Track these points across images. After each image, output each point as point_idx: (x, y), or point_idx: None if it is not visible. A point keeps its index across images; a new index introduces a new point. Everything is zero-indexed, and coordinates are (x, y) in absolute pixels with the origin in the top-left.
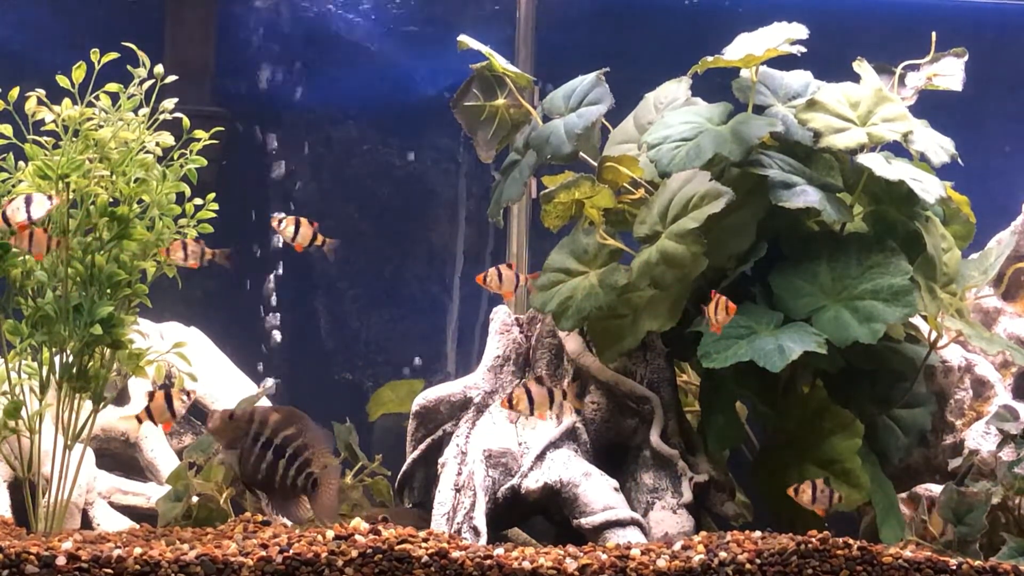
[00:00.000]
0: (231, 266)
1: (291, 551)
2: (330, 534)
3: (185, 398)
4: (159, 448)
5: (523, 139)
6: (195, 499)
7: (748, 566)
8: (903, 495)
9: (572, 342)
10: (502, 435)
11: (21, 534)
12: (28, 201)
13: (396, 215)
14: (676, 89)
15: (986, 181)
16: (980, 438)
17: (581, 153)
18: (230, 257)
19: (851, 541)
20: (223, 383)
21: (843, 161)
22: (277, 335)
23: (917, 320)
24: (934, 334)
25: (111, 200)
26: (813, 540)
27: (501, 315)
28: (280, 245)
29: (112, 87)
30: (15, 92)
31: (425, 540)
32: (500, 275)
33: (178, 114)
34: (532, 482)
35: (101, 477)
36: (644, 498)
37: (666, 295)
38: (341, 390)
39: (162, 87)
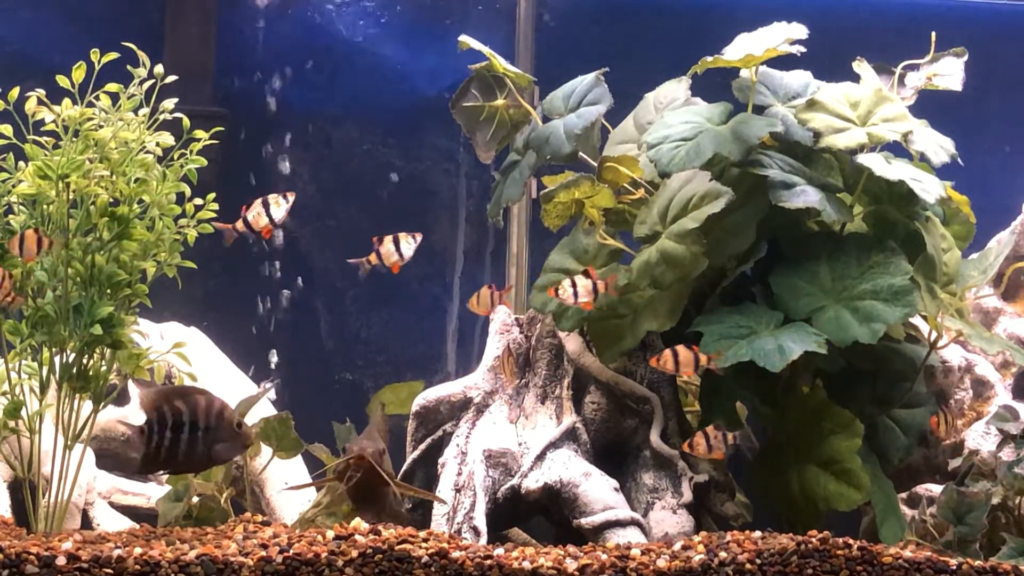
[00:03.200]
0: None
1: (291, 551)
2: (330, 534)
3: (412, 240)
4: None
5: (523, 139)
6: (195, 499)
7: (748, 566)
8: (903, 495)
9: (572, 342)
10: (502, 435)
11: (21, 534)
12: (266, 204)
13: (396, 215)
14: (676, 89)
15: (986, 181)
16: (980, 438)
17: (581, 153)
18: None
19: (851, 541)
20: (223, 383)
21: (843, 161)
22: (277, 335)
23: (917, 320)
24: (934, 334)
25: (111, 200)
26: (813, 540)
27: (501, 315)
28: (280, 244)
29: (112, 87)
30: (15, 92)
31: (425, 540)
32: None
33: (178, 114)
34: (532, 482)
35: (101, 477)
36: (644, 498)
37: (666, 295)
38: (341, 390)
39: (162, 87)
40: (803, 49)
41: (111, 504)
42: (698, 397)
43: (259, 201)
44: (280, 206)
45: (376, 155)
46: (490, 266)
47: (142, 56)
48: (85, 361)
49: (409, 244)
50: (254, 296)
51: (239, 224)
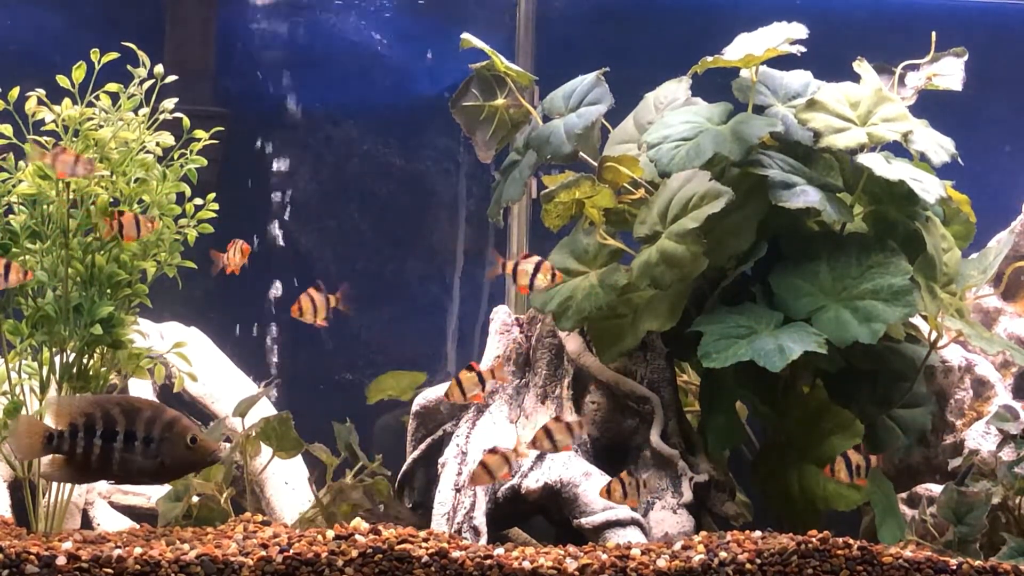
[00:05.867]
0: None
1: (291, 551)
2: (330, 534)
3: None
4: None
5: (523, 139)
6: (195, 499)
7: (748, 566)
8: (903, 495)
9: (572, 342)
10: (502, 435)
11: (21, 534)
12: (537, 268)
13: (396, 215)
14: (676, 89)
15: (986, 181)
16: (980, 438)
17: (581, 153)
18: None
19: (851, 541)
20: (223, 383)
21: (843, 161)
22: (277, 335)
23: (917, 320)
24: (934, 334)
25: (111, 200)
26: (813, 540)
27: (501, 315)
28: (280, 244)
29: (112, 87)
30: (15, 92)
31: (425, 540)
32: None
33: (178, 114)
34: (532, 482)
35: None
36: (644, 498)
37: (666, 295)
38: (341, 390)
39: (162, 87)
40: (803, 49)
41: (111, 504)
42: (698, 397)
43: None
44: (546, 275)
45: (376, 155)
46: (489, 266)
47: (142, 56)
48: (85, 361)
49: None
50: (254, 296)
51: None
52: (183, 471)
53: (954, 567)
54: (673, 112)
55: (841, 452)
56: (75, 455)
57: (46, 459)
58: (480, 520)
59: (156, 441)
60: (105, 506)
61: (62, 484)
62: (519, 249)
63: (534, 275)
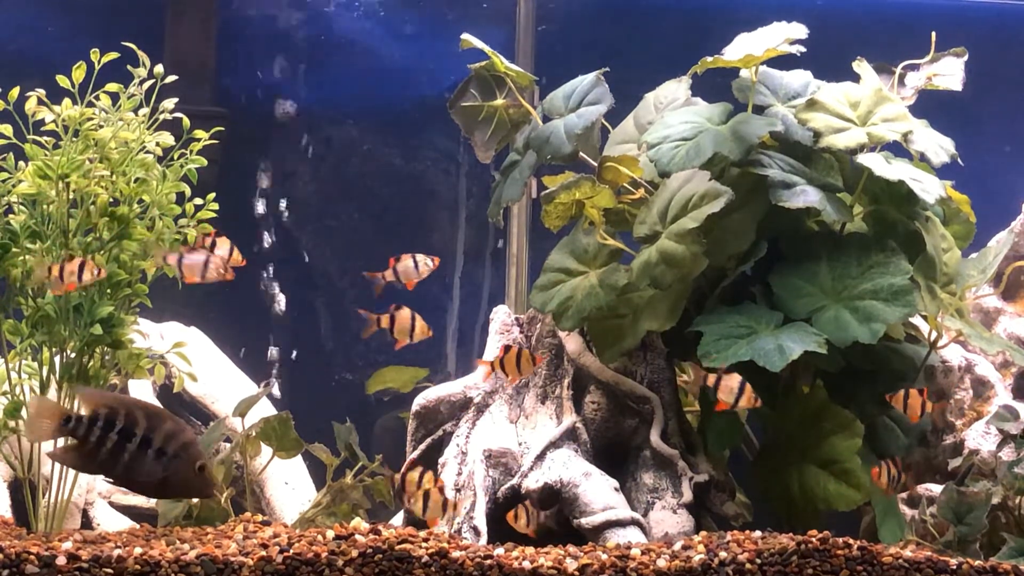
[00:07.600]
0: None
1: (291, 551)
2: (330, 534)
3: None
4: None
5: (523, 139)
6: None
7: (748, 566)
8: (903, 495)
9: (572, 342)
10: (502, 435)
11: (21, 534)
12: (742, 390)
13: (396, 215)
14: (676, 89)
15: (986, 181)
16: (980, 438)
17: (581, 153)
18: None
19: (851, 541)
20: (223, 383)
21: (843, 161)
22: (277, 335)
23: (917, 320)
24: (934, 334)
25: (111, 200)
26: (813, 540)
27: (501, 315)
28: (280, 244)
29: (112, 87)
30: (15, 92)
31: (425, 540)
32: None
33: (178, 114)
34: (532, 482)
35: (101, 477)
36: (644, 498)
37: (666, 295)
38: (341, 390)
39: (162, 87)
40: (803, 49)
41: (111, 504)
42: (698, 397)
43: (409, 256)
44: (427, 267)
45: (376, 155)
46: (490, 266)
47: (142, 56)
48: (85, 361)
49: (428, 265)
50: (255, 296)
51: (388, 274)
52: (180, 493)
53: (954, 567)
54: (673, 112)
55: (839, 451)
56: (87, 442)
57: (59, 442)
58: (480, 520)
59: (168, 456)
60: (105, 506)
61: (62, 484)
62: (519, 249)
63: (739, 397)
